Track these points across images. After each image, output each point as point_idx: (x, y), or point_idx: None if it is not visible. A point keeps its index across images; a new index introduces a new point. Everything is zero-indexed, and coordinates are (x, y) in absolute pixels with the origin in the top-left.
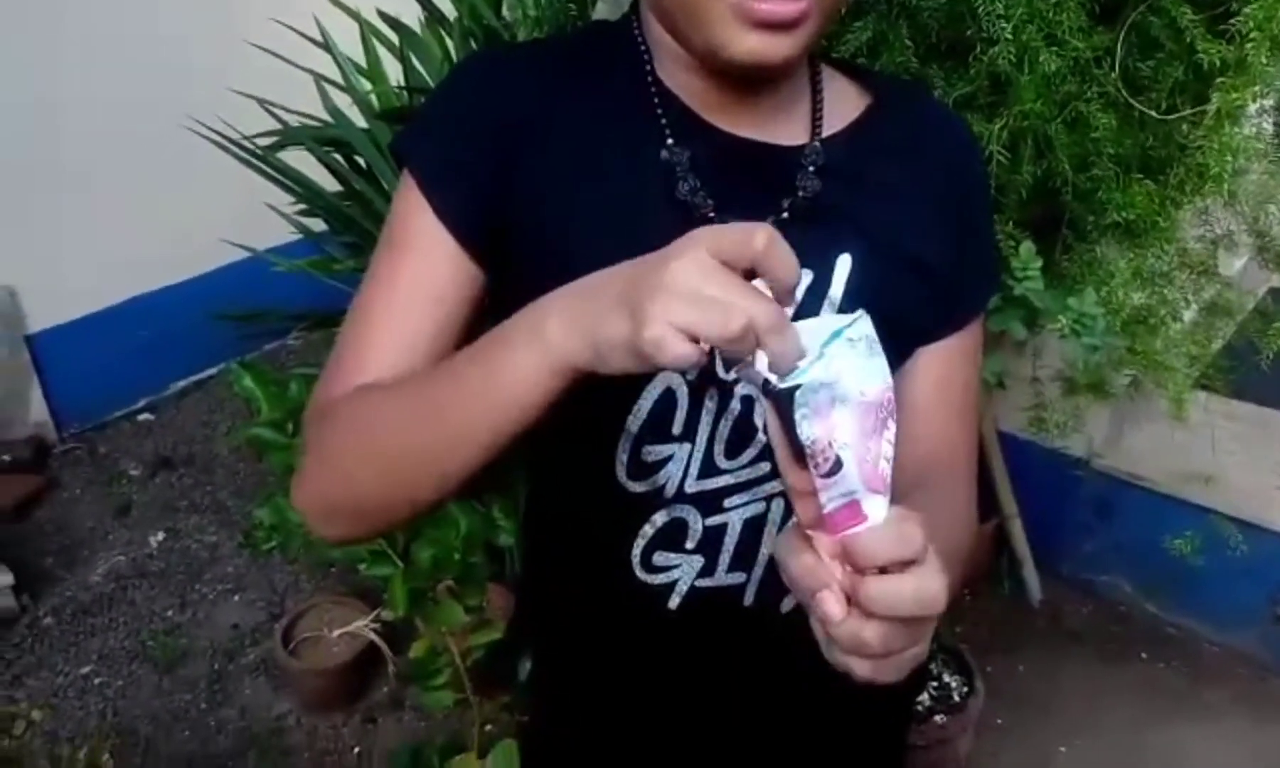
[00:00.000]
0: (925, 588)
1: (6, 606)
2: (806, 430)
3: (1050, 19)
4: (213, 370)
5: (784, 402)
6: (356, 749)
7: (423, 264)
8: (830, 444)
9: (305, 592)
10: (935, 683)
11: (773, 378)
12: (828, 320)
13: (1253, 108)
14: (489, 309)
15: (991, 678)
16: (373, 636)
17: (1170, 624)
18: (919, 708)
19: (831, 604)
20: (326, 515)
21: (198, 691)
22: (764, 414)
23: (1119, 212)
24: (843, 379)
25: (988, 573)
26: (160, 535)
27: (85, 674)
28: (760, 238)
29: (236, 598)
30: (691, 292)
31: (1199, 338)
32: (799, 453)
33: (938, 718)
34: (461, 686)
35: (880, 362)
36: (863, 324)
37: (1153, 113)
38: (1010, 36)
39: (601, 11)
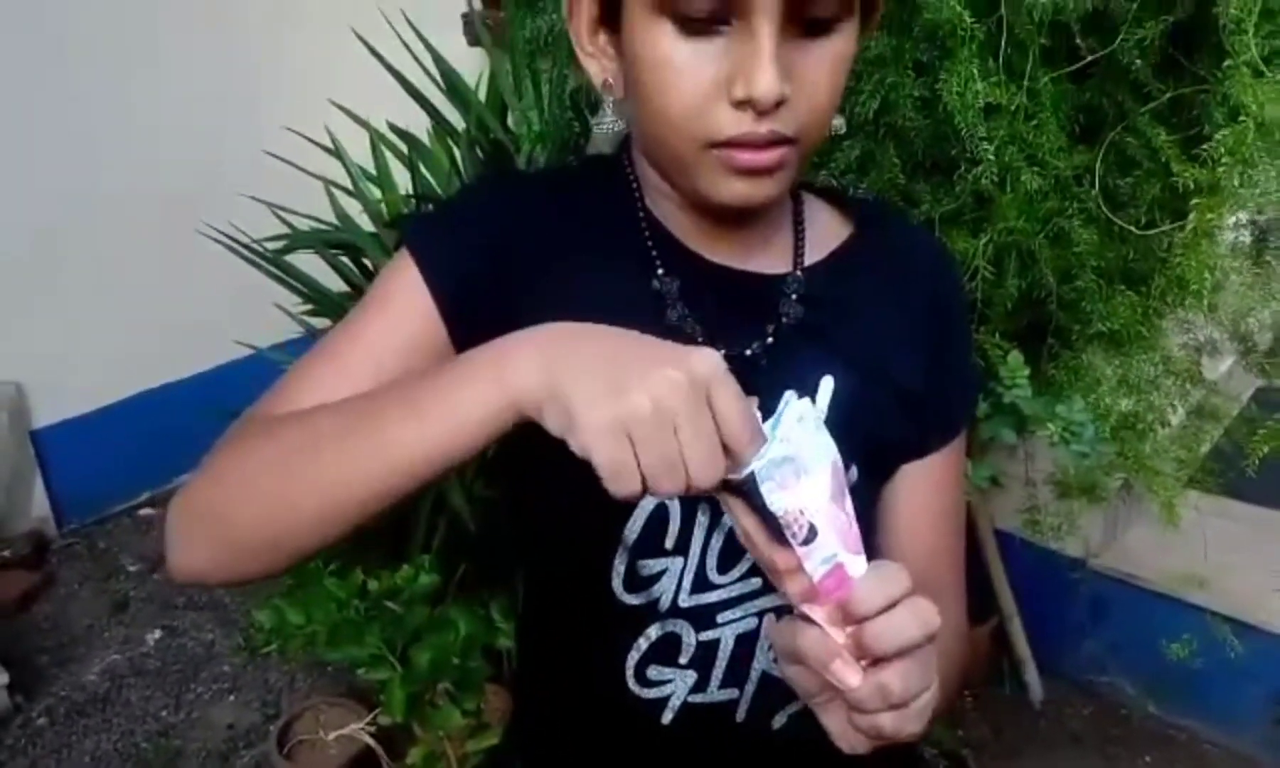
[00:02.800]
0: (922, 610)
1: (0, 705)
2: (778, 502)
3: (1031, 140)
4: None
5: (750, 484)
6: None
7: (398, 320)
8: (802, 512)
9: (301, 691)
10: None
11: (732, 476)
12: (783, 403)
13: (1231, 220)
14: None
15: None
16: (369, 739)
17: (1172, 726)
18: None
19: (848, 671)
20: (199, 528)
21: None
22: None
23: (1103, 321)
24: (802, 453)
25: (989, 674)
26: (157, 633)
27: None
28: (742, 437)
29: (232, 698)
30: (667, 422)
31: (1187, 441)
32: (775, 530)
33: None
34: None
35: (827, 436)
36: (803, 404)
37: (1132, 228)
38: (992, 157)
39: (598, 135)
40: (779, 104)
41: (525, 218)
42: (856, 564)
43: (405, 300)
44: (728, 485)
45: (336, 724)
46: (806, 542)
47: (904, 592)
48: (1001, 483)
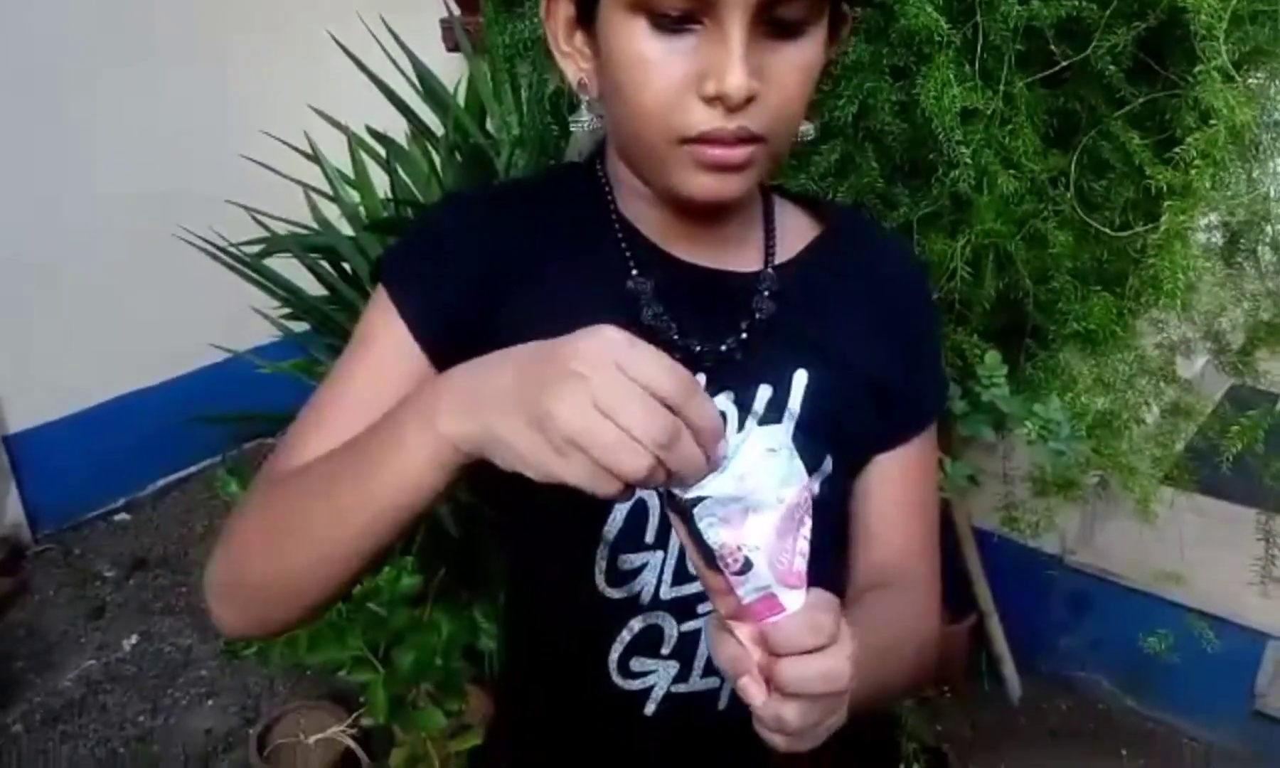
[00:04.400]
0: (833, 669)
1: None
2: (714, 537)
3: (1007, 144)
4: (192, 469)
5: (686, 513)
6: None
7: (383, 361)
8: (740, 548)
9: (280, 696)
10: None
11: (675, 490)
12: (745, 434)
13: (1203, 222)
14: None
15: None
16: (350, 742)
17: (1150, 720)
18: None
19: (753, 690)
20: (227, 593)
21: None
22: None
23: (1079, 321)
24: (760, 490)
25: (967, 670)
26: (134, 638)
27: None
28: (677, 387)
29: (210, 703)
30: (595, 413)
31: (1162, 439)
32: (709, 557)
33: None
34: None
35: (798, 464)
36: (773, 432)
37: (1107, 230)
38: (969, 160)
39: (577, 134)
40: (748, 101)
41: (496, 234)
42: (792, 598)
43: (386, 338)
44: (673, 501)
45: (316, 728)
46: (740, 573)
47: (826, 641)
48: (980, 481)
